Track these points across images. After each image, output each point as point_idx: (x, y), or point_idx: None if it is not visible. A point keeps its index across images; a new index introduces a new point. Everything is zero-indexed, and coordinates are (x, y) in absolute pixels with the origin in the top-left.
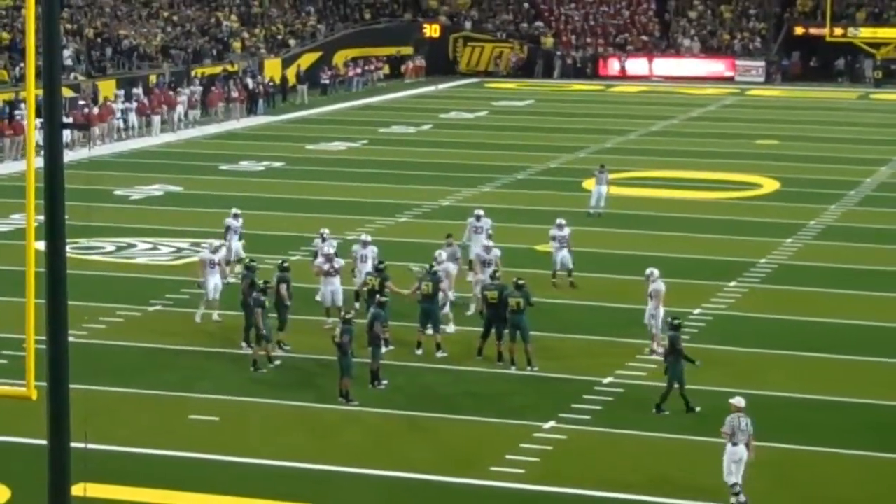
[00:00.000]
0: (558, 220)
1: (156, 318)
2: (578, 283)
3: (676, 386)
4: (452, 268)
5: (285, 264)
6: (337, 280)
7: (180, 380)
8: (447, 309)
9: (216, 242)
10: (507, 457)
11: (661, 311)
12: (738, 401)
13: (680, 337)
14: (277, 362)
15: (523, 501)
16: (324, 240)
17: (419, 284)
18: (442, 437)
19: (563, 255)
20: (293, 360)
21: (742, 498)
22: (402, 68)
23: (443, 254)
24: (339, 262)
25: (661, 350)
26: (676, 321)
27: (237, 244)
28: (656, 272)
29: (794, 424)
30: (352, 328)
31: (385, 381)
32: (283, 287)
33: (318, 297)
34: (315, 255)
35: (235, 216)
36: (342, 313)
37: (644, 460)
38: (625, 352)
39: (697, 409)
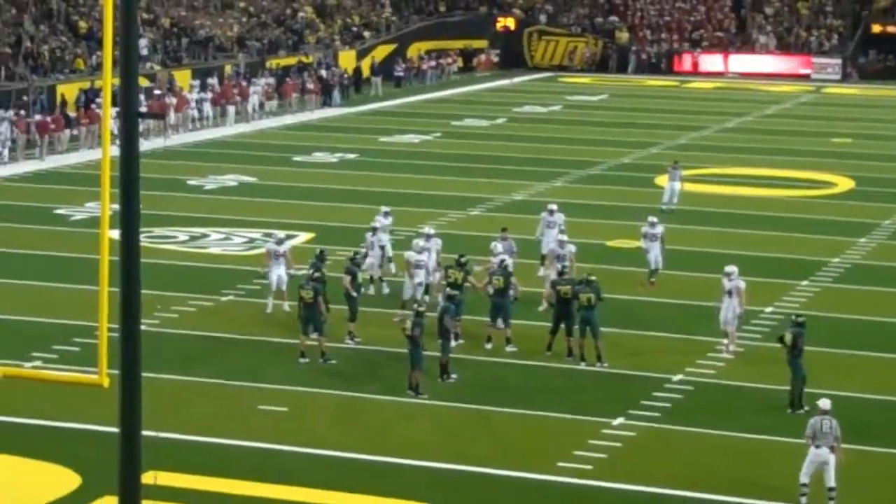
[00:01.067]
0: (650, 218)
1: (228, 308)
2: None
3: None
4: (508, 261)
5: (357, 256)
6: (423, 274)
7: (250, 369)
8: None
9: (281, 234)
10: (575, 452)
11: (742, 308)
12: (824, 403)
13: (804, 334)
14: (333, 361)
15: (590, 498)
16: (374, 233)
17: (490, 278)
18: (510, 432)
19: (656, 254)
20: (362, 352)
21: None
22: (474, 61)
23: (499, 245)
24: (426, 257)
25: (732, 348)
26: (801, 318)
27: (387, 240)
28: (736, 270)
29: (866, 425)
30: (423, 321)
31: (454, 375)
32: (348, 279)
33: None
34: (365, 250)
35: (385, 214)
36: (416, 306)
37: (713, 459)
38: (696, 349)
39: (805, 409)
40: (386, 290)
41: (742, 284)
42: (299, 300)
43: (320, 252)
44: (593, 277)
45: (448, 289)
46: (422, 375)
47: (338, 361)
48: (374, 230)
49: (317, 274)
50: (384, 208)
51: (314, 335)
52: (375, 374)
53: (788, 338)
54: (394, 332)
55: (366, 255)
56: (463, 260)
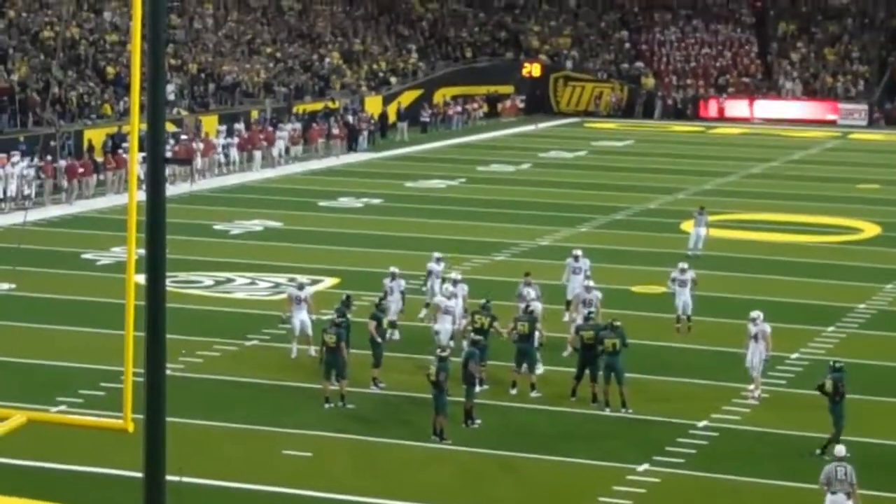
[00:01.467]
0: (681, 264)
1: (252, 353)
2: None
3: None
4: (539, 307)
5: (383, 302)
6: (450, 319)
7: (275, 414)
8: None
9: (303, 279)
10: (600, 499)
11: (769, 353)
12: (839, 450)
13: (843, 378)
14: (351, 406)
15: None
16: (393, 278)
17: (515, 324)
18: (534, 478)
19: (685, 300)
20: (385, 397)
21: None
22: (499, 107)
23: (531, 291)
24: (454, 303)
25: (758, 393)
26: (839, 363)
27: (439, 287)
28: (761, 315)
29: (892, 472)
30: (448, 366)
31: (478, 421)
32: (373, 325)
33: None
34: (384, 294)
35: (438, 260)
36: (438, 351)
37: None
38: (720, 395)
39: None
40: (396, 337)
41: (768, 329)
42: (322, 344)
43: (346, 297)
44: (618, 323)
45: (473, 334)
46: (446, 421)
47: (361, 406)
48: (393, 276)
49: (340, 319)
50: (436, 254)
51: (337, 380)
52: (399, 420)
53: (829, 385)
54: (417, 378)
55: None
56: (489, 305)
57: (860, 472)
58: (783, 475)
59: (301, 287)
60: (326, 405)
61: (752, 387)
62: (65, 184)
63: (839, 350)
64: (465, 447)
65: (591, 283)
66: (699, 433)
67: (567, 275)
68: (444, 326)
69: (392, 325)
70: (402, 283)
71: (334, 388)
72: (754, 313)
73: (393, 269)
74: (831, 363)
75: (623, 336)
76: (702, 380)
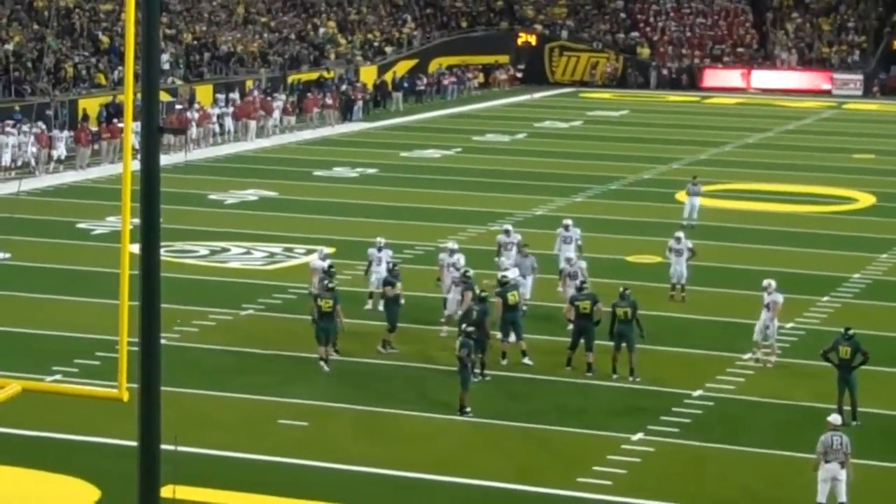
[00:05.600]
0: (676, 234)
1: (248, 322)
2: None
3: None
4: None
5: (395, 268)
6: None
7: (271, 384)
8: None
9: (326, 250)
10: (595, 468)
11: (776, 322)
12: (835, 419)
13: (860, 345)
14: (326, 369)
15: None
16: (380, 249)
17: (504, 297)
18: (529, 448)
19: (680, 269)
20: (381, 367)
21: None
22: (490, 78)
23: (526, 261)
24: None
25: (773, 360)
26: (851, 331)
27: (512, 259)
28: (773, 283)
29: (889, 441)
30: (470, 341)
31: (489, 377)
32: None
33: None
34: (369, 265)
35: (507, 232)
36: (464, 326)
37: (732, 474)
38: (715, 365)
39: (854, 423)
40: (381, 308)
41: (779, 298)
42: (317, 309)
43: (329, 267)
44: (629, 291)
45: (481, 292)
46: (467, 395)
47: (358, 376)
48: (380, 246)
49: (331, 284)
50: (507, 227)
51: (327, 345)
52: (397, 389)
53: (846, 351)
54: (416, 347)
55: (368, 269)
56: (468, 273)
57: (855, 441)
58: (777, 444)
59: (325, 257)
60: (325, 367)
61: (768, 354)
62: (60, 154)
63: (834, 319)
64: (461, 417)
65: (572, 255)
66: (694, 402)
67: (558, 245)
68: (458, 297)
69: (372, 295)
70: (389, 252)
71: (331, 355)
72: (766, 282)
73: (380, 238)
74: (843, 331)
75: (635, 305)
76: (697, 349)
